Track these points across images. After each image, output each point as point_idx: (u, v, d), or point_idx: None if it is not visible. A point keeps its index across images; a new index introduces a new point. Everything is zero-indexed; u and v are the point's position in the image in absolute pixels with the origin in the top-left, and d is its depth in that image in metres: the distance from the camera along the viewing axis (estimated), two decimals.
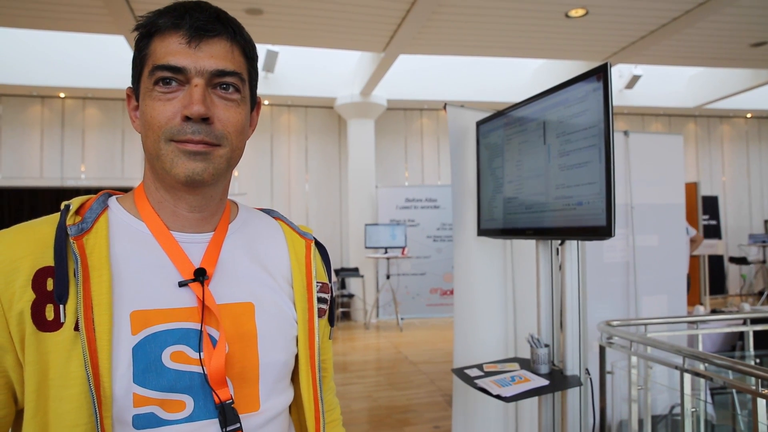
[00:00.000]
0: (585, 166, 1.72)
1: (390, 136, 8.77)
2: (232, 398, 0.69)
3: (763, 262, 9.14)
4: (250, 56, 0.75)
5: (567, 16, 5.17)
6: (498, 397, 1.79)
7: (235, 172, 8.19)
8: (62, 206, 0.70)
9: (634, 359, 2.26)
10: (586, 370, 2.13)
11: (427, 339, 6.67)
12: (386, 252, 7.43)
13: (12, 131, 7.45)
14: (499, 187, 2.27)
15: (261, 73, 7.39)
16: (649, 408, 2.37)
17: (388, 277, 7.60)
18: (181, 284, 0.70)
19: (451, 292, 7.79)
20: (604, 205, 1.63)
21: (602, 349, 2.32)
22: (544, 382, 1.87)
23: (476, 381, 1.93)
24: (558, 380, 1.91)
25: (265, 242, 0.82)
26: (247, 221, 0.83)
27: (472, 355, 2.51)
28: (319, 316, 0.83)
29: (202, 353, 0.68)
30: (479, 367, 2.12)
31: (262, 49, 6.87)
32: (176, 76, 0.67)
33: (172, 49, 0.68)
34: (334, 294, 0.91)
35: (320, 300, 0.83)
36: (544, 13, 5.14)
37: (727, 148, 10.16)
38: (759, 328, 2.70)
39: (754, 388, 1.64)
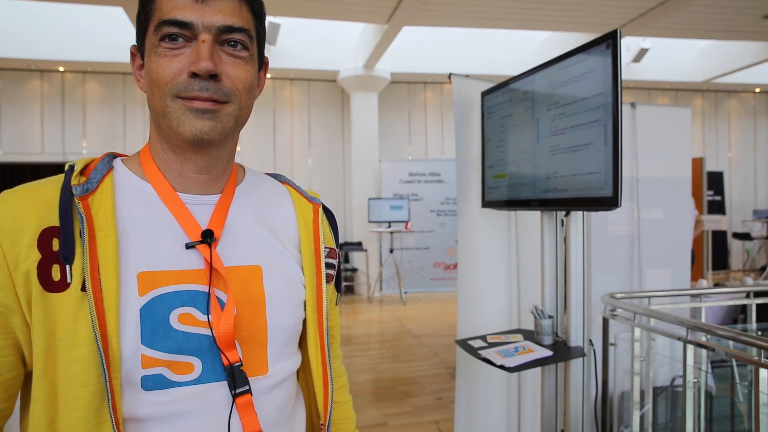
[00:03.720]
0: (592, 135, 1.70)
1: (394, 109, 8.70)
2: (240, 361, 0.68)
3: (767, 237, 9.12)
4: (258, 13, 0.73)
5: None
6: (501, 367, 1.80)
7: (238, 147, 8.15)
8: (66, 167, 0.68)
9: (637, 331, 2.27)
10: (590, 341, 2.14)
11: (430, 313, 6.72)
12: (390, 226, 7.44)
13: (12, 107, 7.41)
14: (503, 157, 2.25)
15: None
16: (650, 380, 2.39)
17: (391, 251, 7.62)
18: (189, 246, 0.69)
19: (455, 267, 7.82)
20: (610, 175, 1.61)
21: (605, 321, 2.32)
22: (548, 353, 1.89)
23: (480, 352, 1.94)
24: (561, 351, 1.92)
25: (273, 206, 0.81)
26: (254, 184, 0.81)
27: (476, 326, 2.53)
28: (329, 282, 0.82)
29: (210, 315, 0.67)
30: (483, 338, 2.13)
31: None
32: (183, 32, 0.65)
33: (179, 4, 0.65)
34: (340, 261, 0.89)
35: (327, 265, 0.82)
36: None
37: (734, 123, 10.06)
38: (761, 301, 2.70)
39: (756, 358, 1.65)
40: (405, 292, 7.60)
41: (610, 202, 1.62)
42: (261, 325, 0.72)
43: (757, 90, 9.98)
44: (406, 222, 7.45)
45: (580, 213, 1.95)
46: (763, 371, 1.65)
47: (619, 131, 1.59)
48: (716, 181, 9.13)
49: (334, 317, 0.89)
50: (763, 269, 9.13)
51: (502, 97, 2.26)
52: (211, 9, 0.66)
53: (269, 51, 7.24)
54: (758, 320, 2.82)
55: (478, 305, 2.57)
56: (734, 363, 2.96)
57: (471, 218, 2.58)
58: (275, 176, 0.88)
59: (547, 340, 1.99)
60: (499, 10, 5.73)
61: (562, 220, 2.04)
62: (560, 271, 2.08)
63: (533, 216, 2.54)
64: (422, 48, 7.79)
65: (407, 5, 5.32)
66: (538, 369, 2.23)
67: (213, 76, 0.65)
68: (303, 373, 0.82)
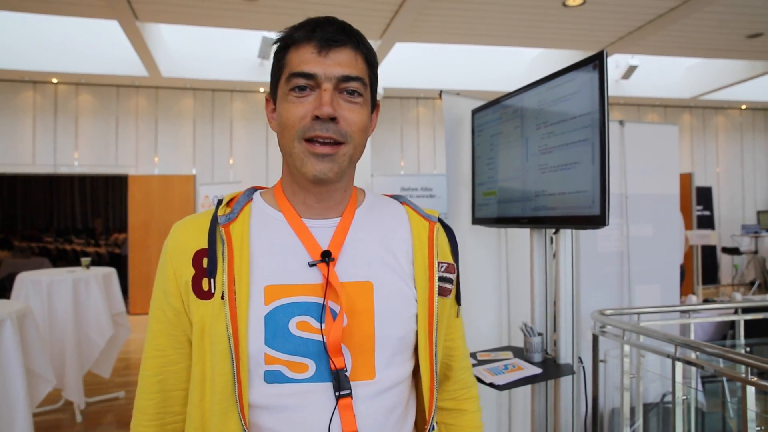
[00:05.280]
0: (580, 154, 1.72)
1: (386, 124, 8.74)
2: (345, 367, 0.78)
3: (755, 252, 9.20)
4: (371, 63, 0.85)
5: (564, 5, 5.15)
6: (491, 385, 1.80)
7: (231, 160, 8.15)
8: (216, 201, 0.86)
9: (626, 348, 2.27)
10: (579, 358, 2.15)
11: None
12: None
13: (4, 118, 7.38)
14: (493, 175, 2.27)
15: (257, 61, 7.32)
16: (641, 396, 2.39)
17: None
18: (311, 264, 0.81)
19: None
20: (598, 194, 1.63)
21: (595, 338, 2.33)
22: (537, 370, 1.89)
23: None
24: (551, 369, 1.92)
25: (389, 226, 0.90)
26: (372, 207, 0.93)
27: (466, 343, 2.53)
28: (445, 296, 0.90)
29: (323, 324, 0.78)
30: (473, 355, 2.13)
31: (257, 36, 6.80)
32: (308, 82, 0.78)
33: (305, 59, 0.79)
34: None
35: (445, 279, 0.90)
36: (542, 2, 5.12)
37: (722, 139, 10.19)
38: (749, 317, 2.72)
39: (744, 375, 1.66)
40: None
41: (597, 221, 1.64)
42: (369, 335, 0.81)
43: (744, 107, 10.14)
44: None
45: (569, 230, 1.97)
46: (750, 388, 1.66)
47: (607, 151, 1.61)
48: (705, 196, 9.23)
49: (454, 330, 0.98)
50: (752, 284, 9.20)
51: (492, 115, 2.29)
52: (332, 61, 0.79)
53: (263, 66, 7.28)
54: (746, 336, 2.84)
55: (468, 322, 2.57)
56: (725, 379, 2.97)
57: (461, 234, 2.60)
58: (396, 197, 0.98)
59: (537, 357, 1.99)
60: (490, 27, 5.81)
61: (552, 237, 2.06)
62: (550, 288, 2.09)
63: (523, 233, 2.55)
64: (415, 64, 7.85)
65: (400, 22, 5.38)
66: (529, 386, 2.22)
67: (332, 119, 0.78)
68: (416, 382, 0.89)
